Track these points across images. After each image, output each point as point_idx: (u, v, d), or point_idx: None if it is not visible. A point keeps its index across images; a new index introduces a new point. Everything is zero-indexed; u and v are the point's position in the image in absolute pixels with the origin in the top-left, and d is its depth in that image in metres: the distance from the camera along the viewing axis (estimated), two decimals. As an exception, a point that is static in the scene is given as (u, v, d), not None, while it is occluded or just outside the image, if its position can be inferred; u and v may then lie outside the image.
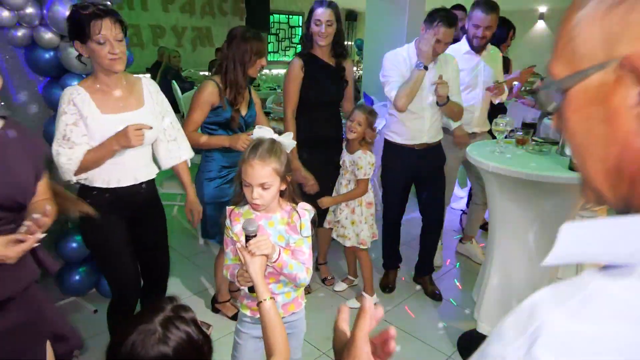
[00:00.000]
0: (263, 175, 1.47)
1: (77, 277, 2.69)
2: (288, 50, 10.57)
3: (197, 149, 2.30)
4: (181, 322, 0.91)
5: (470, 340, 2.48)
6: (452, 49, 2.77)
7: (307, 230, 1.59)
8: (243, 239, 1.37)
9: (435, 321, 2.77)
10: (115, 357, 0.89)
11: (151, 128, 1.84)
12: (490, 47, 3.07)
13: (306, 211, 1.61)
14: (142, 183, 1.97)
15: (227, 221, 1.63)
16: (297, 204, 1.62)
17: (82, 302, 2.80)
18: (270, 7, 9.02)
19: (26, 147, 1.44)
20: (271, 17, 9.63)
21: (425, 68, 2.47)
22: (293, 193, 1.63)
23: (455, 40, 2.88)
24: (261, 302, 1.23)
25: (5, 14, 2.00)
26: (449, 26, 2.41)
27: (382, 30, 5.29)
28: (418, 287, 3.11)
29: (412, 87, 2.49)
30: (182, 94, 5.76)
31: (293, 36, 10.48)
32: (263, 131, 1.59)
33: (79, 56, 1.82)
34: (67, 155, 1.76)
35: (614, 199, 0.46)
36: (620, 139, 0.42)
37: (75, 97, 1.76)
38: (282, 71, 7.19)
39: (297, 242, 1.57)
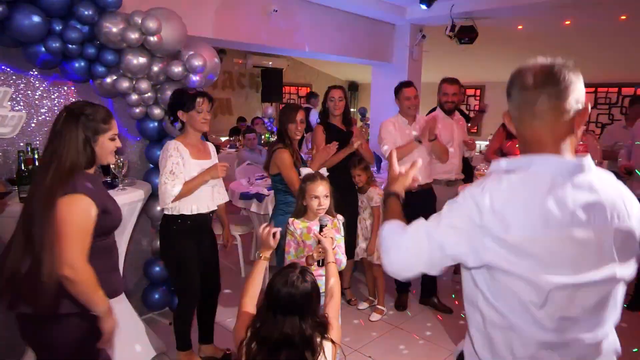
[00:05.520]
0: (325, 189, 2.32)
1: (156, 296, 3.41)
2: (297, 117, 11.66)
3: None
4: (307, 273, 1.52)
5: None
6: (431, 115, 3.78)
7: (342, 231, 2.42)
8: (318, 229, 2.18)
9: (449, 328, 3.46)
10: (278, 295, 1.45)
11: (229, 166, 2.68)
12: (457, 113, 3.95)
13: (341, 220, 2.45)
14: (210, 212, 2.76)
15: (291, 227, 2.39)
16: (334, 215, 2.42)
17: (157, 318, 3.50)
18: (282, 80, 10.19)
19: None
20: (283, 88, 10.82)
21: (419, 142, 3.31)
22: (332, 207, 2.42)
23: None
24: (329, 262, 1.96)
25: (134, 97, 2.89)
26: (408, 86, 3.52)
27: (385, 101, 6.27)
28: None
29: (403, 151, 3.28)
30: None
31: (302, 104, 11.64)
32: (306, 169, 2.52)
33: (175, 121, 2.62)
34: (172, 184, 2.51)
35: None
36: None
37: (178, 146, 2.57)
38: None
39: (338, 240, 2.35)
